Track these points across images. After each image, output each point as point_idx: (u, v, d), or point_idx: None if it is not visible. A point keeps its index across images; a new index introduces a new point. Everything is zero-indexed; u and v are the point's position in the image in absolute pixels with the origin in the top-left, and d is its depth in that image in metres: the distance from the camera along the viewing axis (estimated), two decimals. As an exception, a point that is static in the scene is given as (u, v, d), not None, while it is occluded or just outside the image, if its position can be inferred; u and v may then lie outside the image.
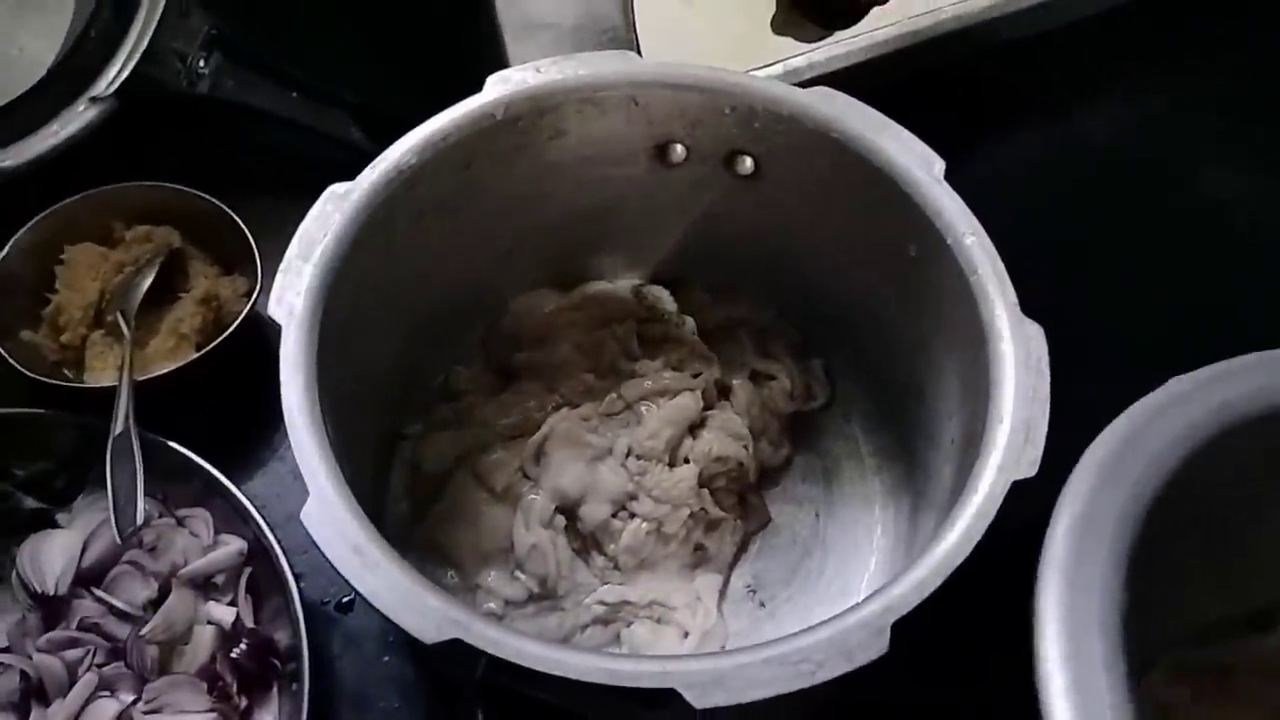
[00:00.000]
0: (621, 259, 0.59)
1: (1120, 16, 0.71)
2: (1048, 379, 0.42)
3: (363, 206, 0.46)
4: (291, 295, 0.43)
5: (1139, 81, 0.73)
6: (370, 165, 0.47)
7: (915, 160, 0.48)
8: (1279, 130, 0.72)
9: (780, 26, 0.61)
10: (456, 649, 0.37)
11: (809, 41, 0.62)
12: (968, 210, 0.47)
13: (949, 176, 0.47)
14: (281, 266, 0.44)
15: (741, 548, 0.55)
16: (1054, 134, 0.71)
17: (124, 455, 0.49)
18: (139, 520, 0.47)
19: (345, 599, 0.54)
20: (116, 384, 0.53)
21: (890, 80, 0.62)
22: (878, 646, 0.37)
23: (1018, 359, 0.43)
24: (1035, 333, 0.43)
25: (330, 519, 0.38)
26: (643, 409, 0.55)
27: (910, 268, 0.49)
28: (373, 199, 0.46)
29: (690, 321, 0.58)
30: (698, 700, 0.36)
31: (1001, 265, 0.45)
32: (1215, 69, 0.75)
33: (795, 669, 0.36)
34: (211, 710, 0.48)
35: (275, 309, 0.43)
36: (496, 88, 0.49)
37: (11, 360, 0.54)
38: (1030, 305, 0.44)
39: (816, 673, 0.36)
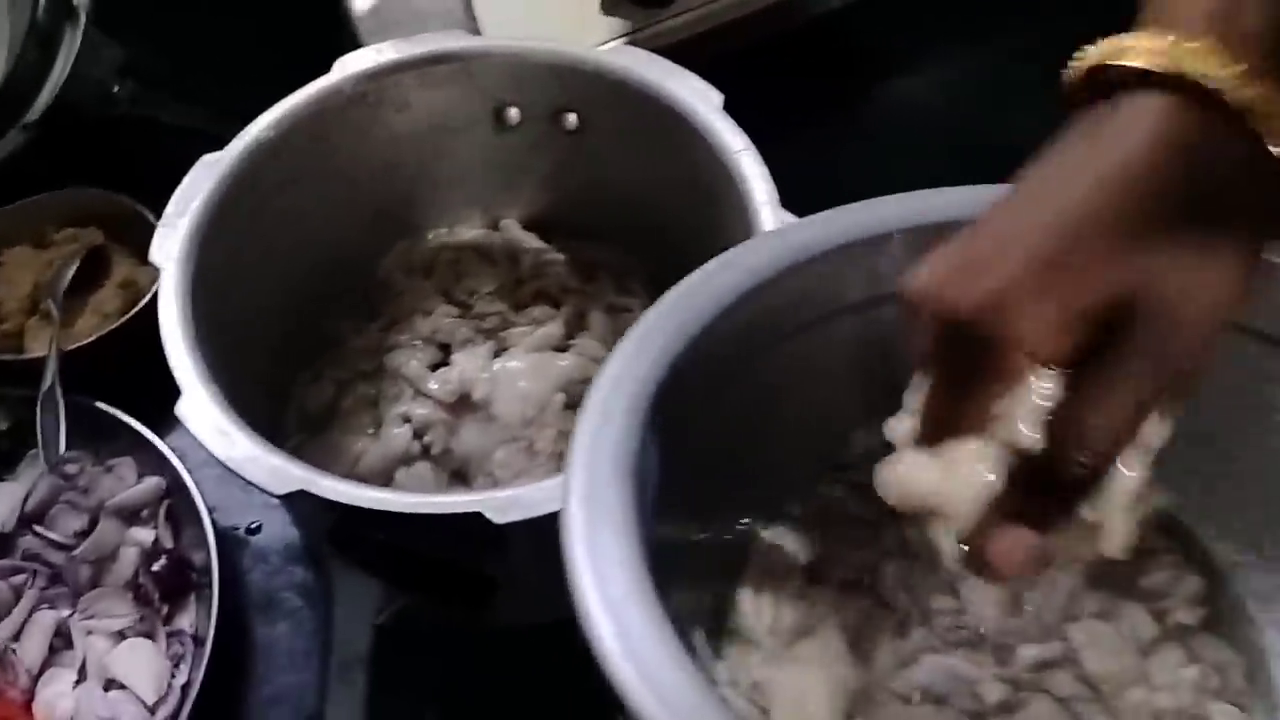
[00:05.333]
0: (482, 216, 0.68)
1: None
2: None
3: (229, 173, 0.55)
4: (170, 244, 0.52)
5: (959, 42, 0.82)
6: (236, 138, 0.56)
7: (697, 96, 0.57)
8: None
9: (608, 8, 0.70)
10: (305, 500, 0.45)
11: (633, 21, 0.71)
12: (740, 131, 0.55)
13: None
14: (161, 222, 0.53)
15: (599, 454, 0.63)
16: (882, 92, 0.80)
17: (50, 404, 0.58)
18: (62, 450, 0.56)
19: (254, 525, 0.62)
20: (46, 355, 0.62)
21: (720, 51, 0.71)
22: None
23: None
24: (789, 218, 0.52)
25: (199, 408, 0.47)
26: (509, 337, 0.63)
27: (708, 190, 0.58)
28: (238, 167, 0.55)
29: (561, 257, 0.67)
30: (496, 516, 0.43)
31: (766, 170, 0.53)
32: (1030, 29, 0.83)
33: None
34: (138, 614, 0.56)
35: (155, 254, 0.52)
36: (344, 66, 0.58)
37: (-44, 345, 0.63)
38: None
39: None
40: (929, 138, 0.77)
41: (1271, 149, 0.29)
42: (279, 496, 0.44)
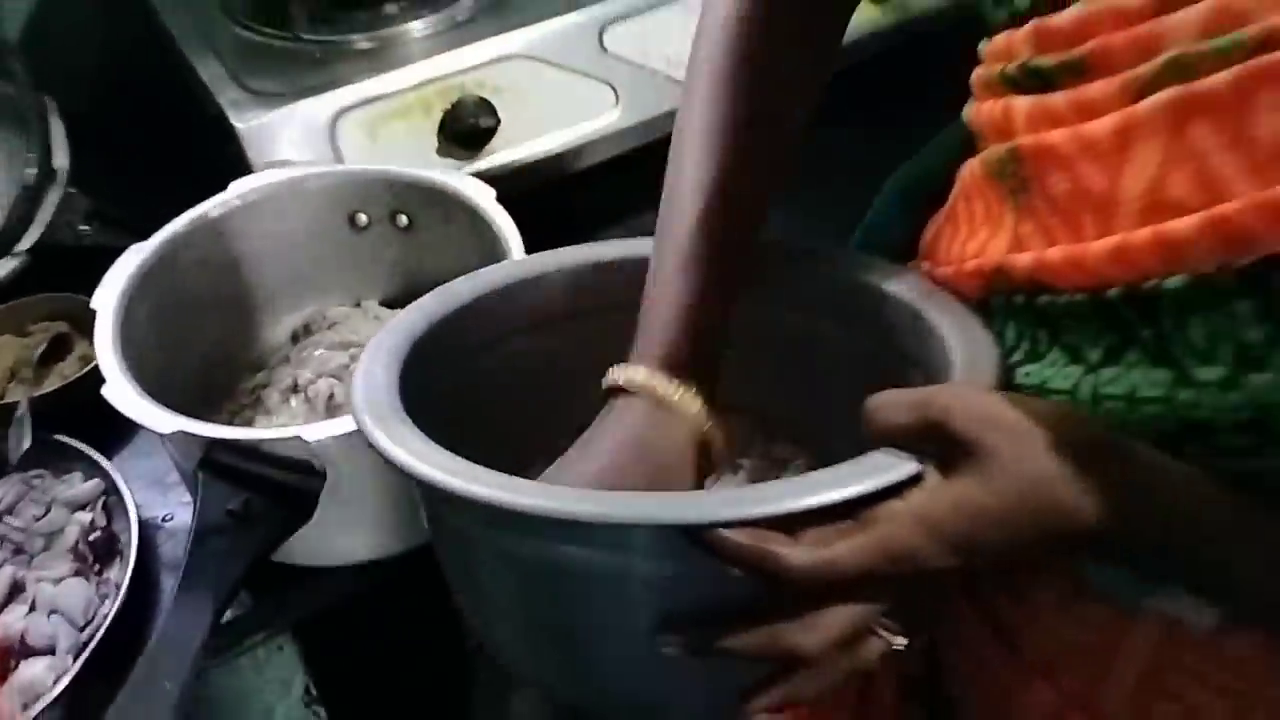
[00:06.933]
0: (347, 298, 0.92)
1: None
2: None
3: (150, 256, 0.80)
4: (106, 294, 0.76)
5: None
6: (158, 232, 0.81)
7: (477, 193, 0.83)
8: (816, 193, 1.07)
9: (442, 152, 0.97)
10: (183, 439, 0.67)
11: (459, 162, 0.97)
12: (504, 211, 0.80)
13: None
14: (100, 284, 0.77)
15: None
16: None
17: (19, 426, 0.81)
18: (25, 446, 0.78)
19: (168, 516, 0.83)
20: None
21: (522, 186, 0.97)
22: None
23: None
24: (527, 260, 0.76)
25: (118, 388, 0.70)
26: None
27: (489, 254, 0.82)
28: (158, 252, 0.80)
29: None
30: (309, 435, 0.65)
31: (518, 234, 0.78)
32: (821, 192, 1.10)
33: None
34: (76, 567, 0.76)
35: (95, 302, 0.75)
36: (236, 186, 0.84)
37: (-45, 401, 0.86)
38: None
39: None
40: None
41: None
42: (163, 435, 0.67)
